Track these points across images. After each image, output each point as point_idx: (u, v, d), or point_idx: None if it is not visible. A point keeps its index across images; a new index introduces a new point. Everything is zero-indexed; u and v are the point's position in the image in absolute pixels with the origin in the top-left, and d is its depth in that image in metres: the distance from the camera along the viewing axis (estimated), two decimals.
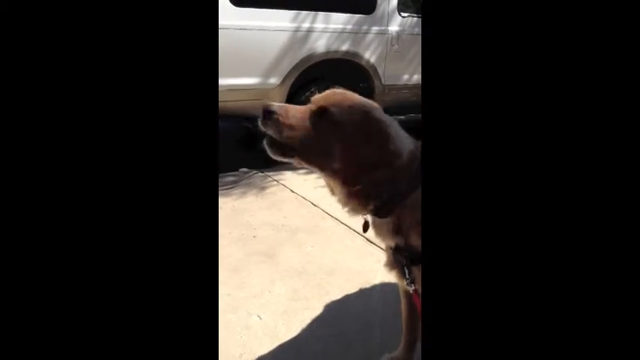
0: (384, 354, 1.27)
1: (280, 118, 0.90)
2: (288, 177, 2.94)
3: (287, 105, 0.95)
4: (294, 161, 0.95)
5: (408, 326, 1.20)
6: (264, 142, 0.94)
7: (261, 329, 1.44)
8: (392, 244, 1.00)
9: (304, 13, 3.09)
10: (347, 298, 1.62)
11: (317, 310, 1.54)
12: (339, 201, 0.95)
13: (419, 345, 1.23)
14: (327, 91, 0.98)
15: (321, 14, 3.16)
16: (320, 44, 3.17)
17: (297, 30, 3.08)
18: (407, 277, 0.98)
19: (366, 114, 0.92)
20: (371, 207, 0.92)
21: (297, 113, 0.92)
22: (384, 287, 1.65)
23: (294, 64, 3.10)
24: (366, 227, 1.03)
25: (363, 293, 1.65)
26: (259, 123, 0.93)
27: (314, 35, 3.14)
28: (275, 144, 0.93)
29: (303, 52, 3.12)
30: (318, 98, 0.96)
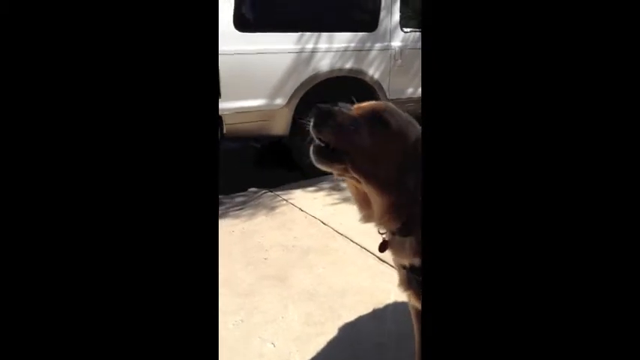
0: None
1: (338, 120, 0.85)
2: (298, 196, 2.95)
3: (341, 109, 0.90)
4: (338, 170, 0.89)
5: (421, 347, 1.18)
6: (312, 149, 0.87)
7: (275, 357, 1.43)
8: (408, 263, 0.98)
9: (308, 34, 3.15)
10: (360, 320, 1.61)
11: (330, 334, 1.53)
12: (373, 215, 0.92)
13: None
14: (372, 102, 0.96)
15: (325, 35, 3.21)
16: (324, 64, 3.22)
17: (301, 51, 3.14)
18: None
19: (412, 125, 0.91)
20: (400, 223, 0.90)
21: (351, 117, 0.88)
22: (397, 307, 1.64)
23: (298, 84, 3.15)
24: (383, 247, 1.00)
25: (376, 314, 1.63)
26: (311, 128, 0.86)
27: (318, 55, 3.20)
28: (324, 151, 0.87)
29: (307, 73, 3.17)
30: (367, 105, 0.93)
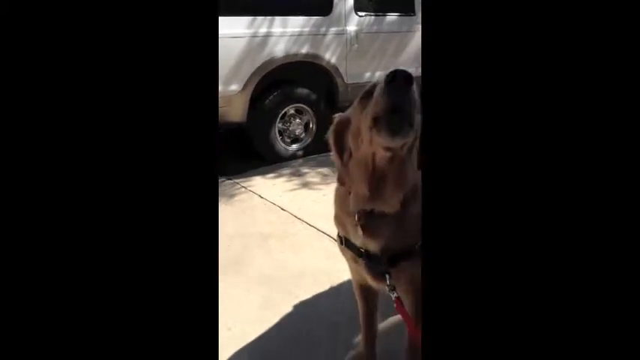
0: (350, 352, 1.34)
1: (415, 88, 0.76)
2: (257, 183, 2.96)
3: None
4: (406, 142, 0.82)
5: (366, 322, 1.26)
6: (401, 118, 0.77)
7: (231, 340, 1.48)
8: (373, 248, 0.98)
9: (260, 18, 3.10)
10: (316, 300, 1.68)
11: (287, 315, 1.59)
12: (384, 195, 0.89)
13: (381, 339, 1.30)
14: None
15: (278, 19, 3.17)
16: (279, 48, 3.19)
17: (254, 35, 3.09)
18: (387, 284, 0.98)
19: None
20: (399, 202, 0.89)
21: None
22: (350, 286, 1.72)
23: (254, 69, 3.11)
24: (360, 223, 0.95)
25: (331, 294, 1.71)
26: (410, 93, 0.75)
27: (272, 40, 3.16)
28: (403, 122, 0.77)
29: (262, 58, 3.13)
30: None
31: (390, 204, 0.91)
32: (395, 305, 1.00)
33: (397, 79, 0.74)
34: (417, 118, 0.80)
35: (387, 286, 0.99)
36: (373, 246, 0.98)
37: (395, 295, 0.98)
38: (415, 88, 0.77)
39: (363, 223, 0.95)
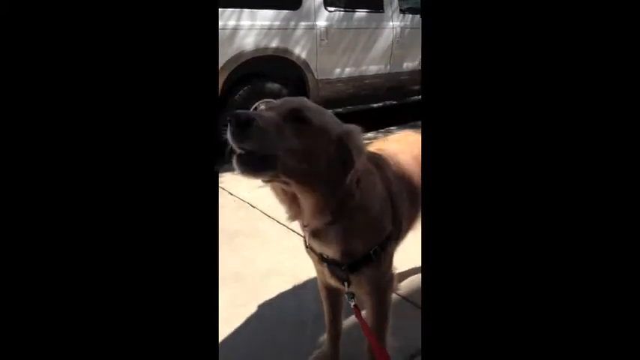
0: (314, 351, 1.37)
1: (261, 128, 0.77)
2: (227, 179, 2.92)
3: (258, 112, 0.85)
4: (269, 177, 0.83)
5: (330, 321, 1.29)
6: (236, 161, 0.79)
7: None
8: (331, 254, 1.01)
9: (229, 10, 3.03)
10: (282, 300, 1.69)
11: (252, 316, 1.60)
12: (302, 213, 0.91)
13: (344, 338, 1.34)
14: (287, 99, 0.93)
15: (247, 11, 3.11)
16: (248, 42, 3.14)
17: (223, 28, 3.02)
18: (346, 290, 1.01)
19: (332, 118, 0.92)
20: (329, 214, 0.90)
21: (273, 120, 0.82)
22: (316, 286, 1.75)
23: (223, 62, 3.05)
24: (308, 240, 1.02)
25: (297, 293, 1.73)
26: (229, 137, 0.76)
27: (241, 33, 3.10)
28: (252, 160, 0.78)
29: (231, 51, 3.07)
30: (283, 105, 0.88)
31: (314, 221, 0.92)
32: (354, 313, 1.03)
33: (233, 125, 0.76)
34: (282, 148, 0.80)
35: (346, 293, 1.02)
36: (331, 253, 1.02)
37: (353, 303, 1.02)
38: (272, 126, 0.79)
39: (311, 230, 0.98)
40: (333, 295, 1.27)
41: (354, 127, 0.92)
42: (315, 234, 0.99)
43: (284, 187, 0.89)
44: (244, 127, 0.76)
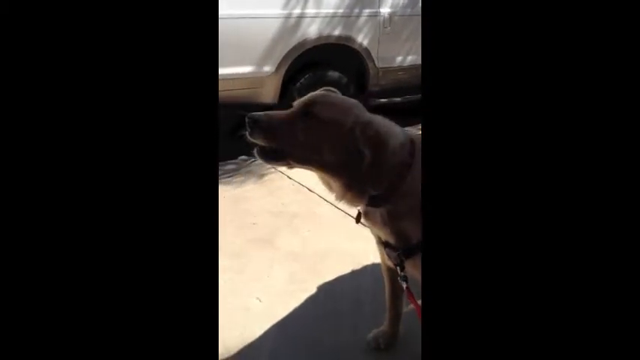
0: (373, 329, 1.39)
1: (265, 126, 0.95)
2: None
3: (270, 112, 1.00)
4: (283, 165, 0.99)
5: (391, 302, 1.31)
6: (256, 152, 0.98)
7: (260, 310, 1.57)
8: (383, 236, 1.05)
9: None
10: (340, 279, 1.74)
11: (312, 291, 1.66)
12: (336, 195, 0.99)
13: (404, 317, 1.34)
14: (309, 95, 1.03)
15: None
16: (312, 30, 3.18)
17: (288, 16, 3.09)
18: (400, 274, 1.04)
19: (348, 110, 0.97)
20: (366, 199, 0.97)
21: (281, 117, 0.97)
22: (374, 267, 1.76)
23: (287, 50, 3.12)
24: (358, 218, 1.09)
25: (355, 274, 1.76)
26: (247, 134, 0.96)
27: (306, 21, 3.15)
28: (266, 152, 0.97)
29: (295, 39, 3.13)
30: (301, 101, 1.01)
31: (348, 203, 1.00)
32: (407, 295, 1.05)
33: (248, 124, 0.97)
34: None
35: (399, 276, 1.04)
36: (382, 235, 1.05)
37: (405, 285, 1.04)
38: (266, 121, 0.96)
39: (359, 211, 1.06)
40: (394, 275, 1.27)
41: (370, 119, 0.95)
42: (365, 214, 1.05)
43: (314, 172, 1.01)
44: (253, 125, 0.95)
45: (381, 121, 0.98)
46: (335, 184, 0.98)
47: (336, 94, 1.06)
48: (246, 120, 0.95)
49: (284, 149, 0.96)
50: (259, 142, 0.96)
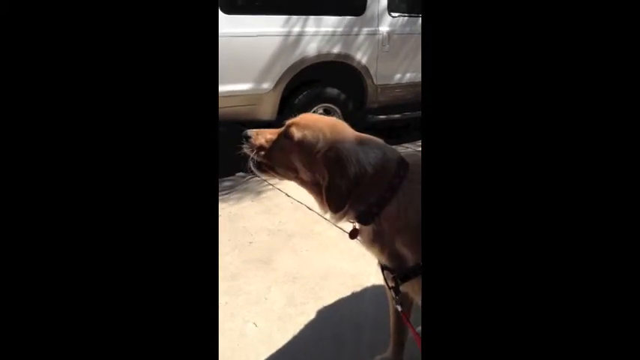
0: (375, 355, 1.33)
1: (252, 141, 1.05)
2: (284, 181, 2.98)
3: (262, 129, 1.09)
4: (270, 177, 1.08)
5: (396, 327, 1.25)
6: (250, 163, 1.07)
7: (257, 336, 1.50)
8: (375, 256, 1.05)
9: (295, 17, 3.12)
10: (340, 302, 1.68)
11: (311, 315, 1.60)
12: (321, 210, 1.03)
13: (407, 345, 1.28)
14: (300, 115, 1.08)
15: (312, 18, 3.18)
16: (311, 47, 3.19)
17: (288, 35, 3.10)
18: (394, 297, 1.02)
19: (319, 132, 0.99)
20: (350, 216, 0.99)
21: (269, 135, 1.06)
22: (375, 289, 1.71)
23: (286, 68, 3.13)
24: (353, 234, 1.07)
25: (355, 296, 1.70)
26: (243, 149, 1.06)
27: (305, 39, 3.17)
28: (255, 164, 1.07)
29: (294, 57, 3.14)
30: (290, 121, 1.06)
31: (330, 216, 1.03)
32: (402, 318, 1.04)
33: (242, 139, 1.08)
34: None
35: (394, 299, 1.02)
36: (375, 255, 1.05)
37: (399, 308, 1.03)
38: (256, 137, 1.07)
39: (355, 228, 1.08)
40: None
41: (338, 140, 0.98)
42: (360, 231, 1.06)
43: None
44: (246, 140, 1.06)
45: (352, 145, 0.97)
46: (316, 199, 1.03)
47: (318, 116, 1.11)
48: (242, 135, 1.06)
49: (268, 163, 1.06)
50: (249, 154, 1.06)
